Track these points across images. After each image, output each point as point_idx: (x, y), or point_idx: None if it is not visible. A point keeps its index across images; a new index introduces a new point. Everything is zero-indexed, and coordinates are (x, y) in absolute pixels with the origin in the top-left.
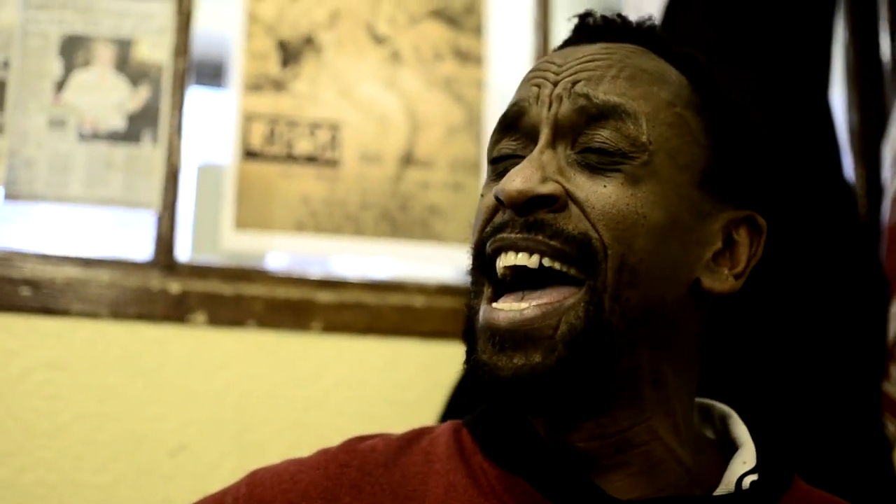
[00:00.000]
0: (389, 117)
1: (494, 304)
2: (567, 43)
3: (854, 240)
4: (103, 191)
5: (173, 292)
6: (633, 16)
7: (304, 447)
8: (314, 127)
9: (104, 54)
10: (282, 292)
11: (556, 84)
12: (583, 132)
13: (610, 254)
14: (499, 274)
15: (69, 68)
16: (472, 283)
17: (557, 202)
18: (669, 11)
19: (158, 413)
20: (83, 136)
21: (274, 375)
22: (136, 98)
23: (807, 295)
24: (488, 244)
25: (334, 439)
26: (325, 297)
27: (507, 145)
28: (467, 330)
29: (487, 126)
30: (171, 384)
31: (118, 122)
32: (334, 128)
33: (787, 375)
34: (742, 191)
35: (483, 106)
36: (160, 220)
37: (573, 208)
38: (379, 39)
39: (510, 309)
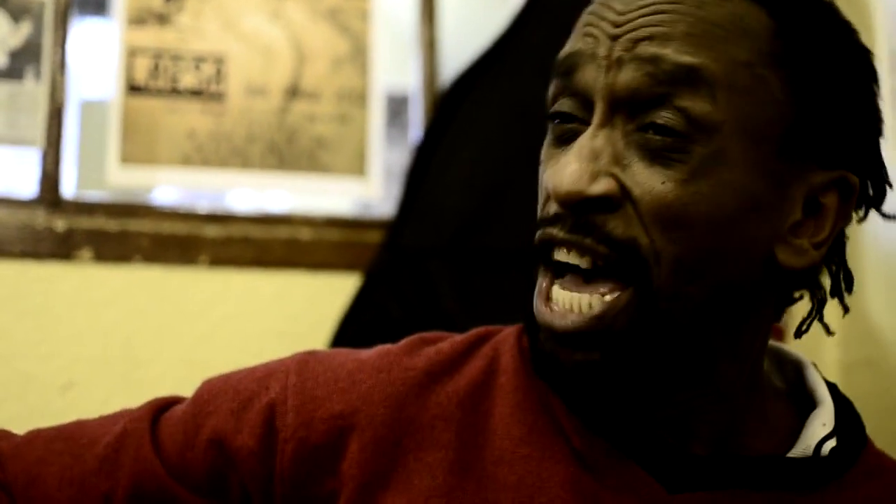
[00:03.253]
0: (275, 49)
1: (549, 299)
2: None
3: None
4: None
5: (59, 230)
6: None
7: (194, 381)
8: (199, 60)
9: None
10: (168, 227)
11: (615, 39)
12: (645, 104)
13: (663, 257)
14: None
15: None
16: (532, 258)
17: (610, 203)
18: None
19: (47, 351)
20: None
21: (161, 311)
22: (17, 34)
23: None
24: (538, 233)
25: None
26: (211, 231)
27: (565, 104)
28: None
29: (374, 57)
30: (58, 322)
31: (0, 59)
32: (219, 61)
33: None
34: (830, 149)
35: (369, 37)
36: (45, 157)
37: (627, 207)
38: None
39: (562, 308)
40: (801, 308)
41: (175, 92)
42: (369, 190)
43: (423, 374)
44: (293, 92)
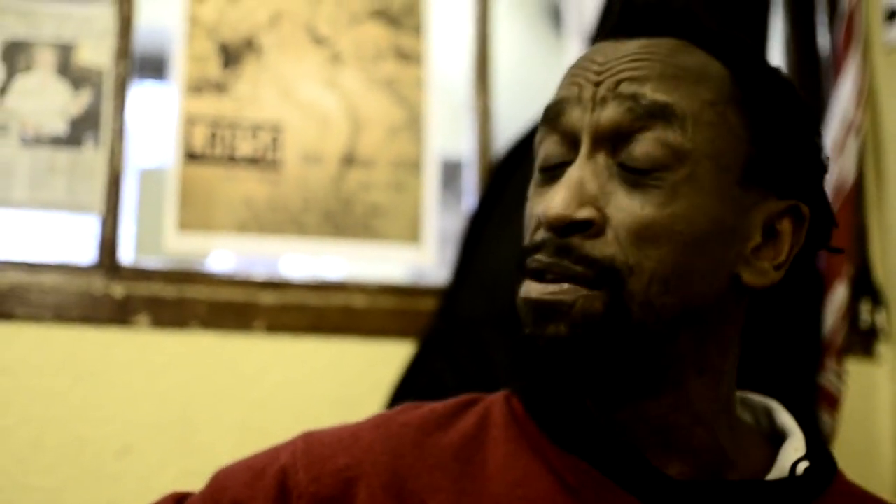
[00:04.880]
0: (331, 118)
1: (532, 280)
2: (607, 36)
3: None
4: (46, 195)
5: (117, 296)
6: (574, 13)
7: (250, 447)
8: (256, 129)
9: (46, 59)
10: (224, 294)
11: (598, 85)
12: (626, 137)
13: (637, 271)
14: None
15: (11, 73)
16: (517, 277)
17: (593, 227)
18: (607, 11)
19: (103, 416)
20: (26, 142)
21: (217, 377)
22: (77, 102)
23: None
24: (528, 260)
25: (279, 439)
26: (267, 298)
27: (552, 149)
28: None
29: (429, 125)
30: (115, 387)
31: (60, 127)
32: (276, 129)
33: None
34: (784, 181)
35: (424, 105)
36: (103, 223)
37: (608, 233)
38: (319, 40)
39: (542, 281)
40: (856, 373)
41: (232, 160)
42: (423, 257)
43: (418, 429)
44: (349, 160)
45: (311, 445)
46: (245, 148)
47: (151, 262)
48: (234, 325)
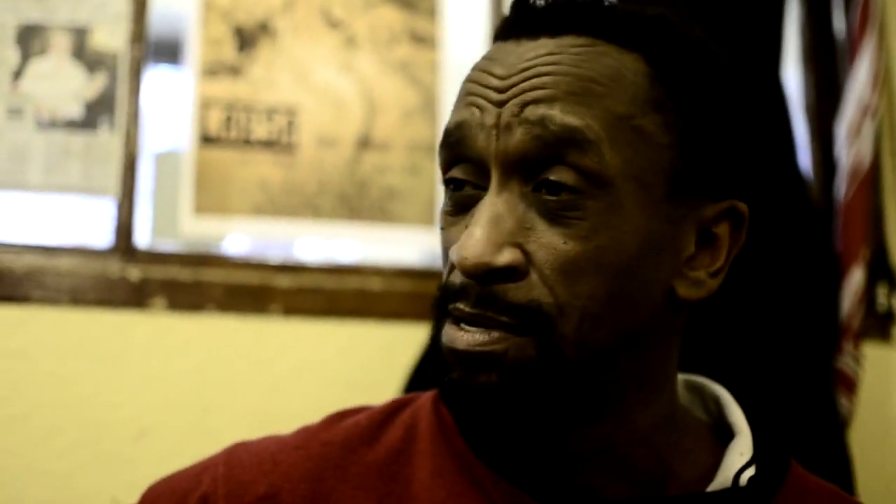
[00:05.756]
0: (346, 101)
1: (456, 327)
2: (505, 34)
3: (805, 219)
4: (62, 178)
5: (133, 279)
6: None
7: (265, 430)
8: (271, 112)
9: (61, 42)
10: (240, 277)
11: (501, 106)
12: (538, 163)
13: (567, 311)
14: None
15: (26, 57)
16: (437, 315)
17: (515, 273)
18: None
19: (120, 399)
20: (41, 125)
21: (234, 359)
22: (92, 85)
23: (759, 275)
24: (449, 306)
25: (294, 422)
26: (283, 281)
27: (459, 174)
28: (435, 348)
29: (444, 108)
30: (131, 370)
31: (76, 110)
32: (291, 113)
33: (740, 355)
34: (716, 183)
35: (439, 88)
36: (119, 206)
37: (531, 274)
38: (334, 24)
39: (467, 330)
40: (872, 356)
41: (247, 143)
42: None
43: (341, 446)
44: (364, 143)
45: (233, 469)
46: (260, 131)
47: (167, 246)
48: (249, 308)
